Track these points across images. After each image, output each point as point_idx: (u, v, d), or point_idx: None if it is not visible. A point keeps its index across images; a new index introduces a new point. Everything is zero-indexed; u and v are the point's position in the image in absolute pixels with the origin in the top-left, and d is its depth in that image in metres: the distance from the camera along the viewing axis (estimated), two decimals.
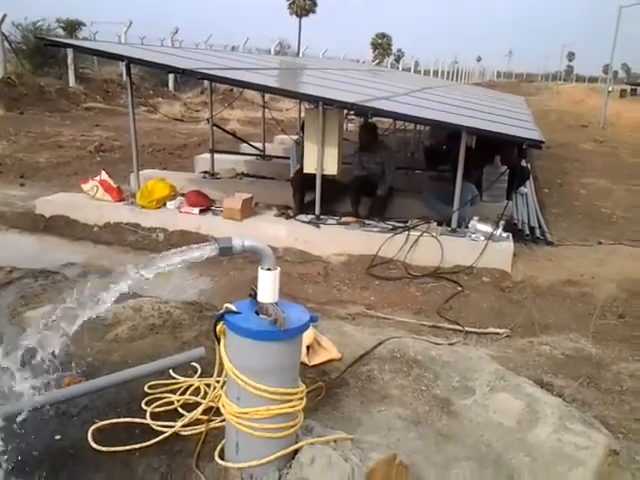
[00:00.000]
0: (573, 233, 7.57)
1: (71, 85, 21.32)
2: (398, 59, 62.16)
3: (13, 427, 2.69)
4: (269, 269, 2.39)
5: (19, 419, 2.71)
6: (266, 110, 11.21)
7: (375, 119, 10.88)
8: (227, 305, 2.45)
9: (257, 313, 2.43)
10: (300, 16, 61.27)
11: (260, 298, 2.41)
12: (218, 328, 2.45)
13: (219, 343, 2.47)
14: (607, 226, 8.20)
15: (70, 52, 20.81)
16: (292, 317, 2.40)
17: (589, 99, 38.40)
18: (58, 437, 2.89)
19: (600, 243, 7.10)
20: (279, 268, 2.43)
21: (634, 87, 50.85)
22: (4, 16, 18.78)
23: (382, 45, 78.65)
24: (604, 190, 10.63)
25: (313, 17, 63.18)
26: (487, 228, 6.14)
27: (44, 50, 20.79)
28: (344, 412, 3.17)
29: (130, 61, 6.82)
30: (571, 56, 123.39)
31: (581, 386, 3.70)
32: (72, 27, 29.56)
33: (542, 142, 5.97)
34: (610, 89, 24.77)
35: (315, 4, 62.38)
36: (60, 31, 26.48)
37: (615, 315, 5.04)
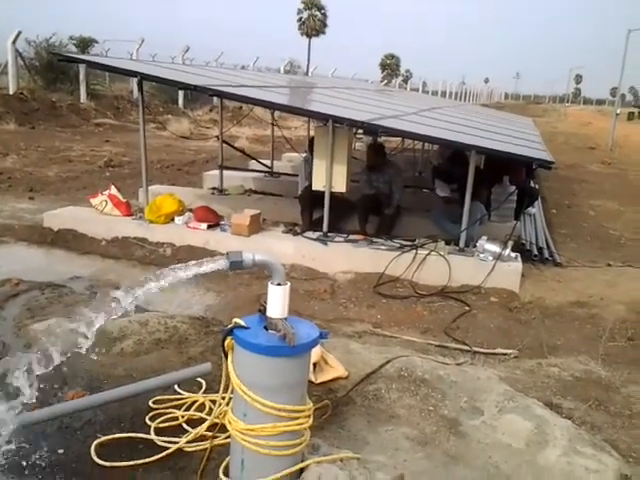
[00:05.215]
0: (581, 254, 7.53)
1: (82, 101, 21.55)
2: (406, 80, 62.69)
3: (15, 440, 2.67)
4: (279, 284, 2.38)
5: (22, 433, 2.69)
6: (275, 128, 11.27)
7: (383, 138, 10.98)
8: (236, 320, 2.43)
9: (266, 328, 2.42)
10: (310, 36, 61.92)
11: (269, 313, 2.40)
12: (226, 343, 2.44)
13: (227, 358, 2.45)
14: (615, 248, 8.14)
15: (82, 68, 21.08)
16: (301, 333, 2.38)
17: (596, 121, 38.45)
18: (61, 451, 2.87)
19: (609, 265, 7.05)
20: (289, 283, 2.42)
21: None
22: (18, 33, 19.06)
23: (390, 66, 79.34)
24: (612, 212, 10.59)
25: (323, 38, 63.91)
26: (495, 248, 6.10)
27: (56, 66, 21.07)
28: (350, 431, 3.13)
29: (143, 77, 6.86)
30: (579, 79, 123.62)
31: (590, 409, 3.64)
32: (85, 44, 29.95)
33: (552, 162, 5.95)
34: (618, 112, 24.79)
35: (325, 25, 63.10)
36: (72, 48, 26.81)
37: (624, 337, 4.97)
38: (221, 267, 2.35)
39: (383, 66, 79.77)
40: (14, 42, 18.94)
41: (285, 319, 2.42)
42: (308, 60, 55.12)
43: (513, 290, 5.91)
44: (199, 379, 3.47)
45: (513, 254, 6.22)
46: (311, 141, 7.53)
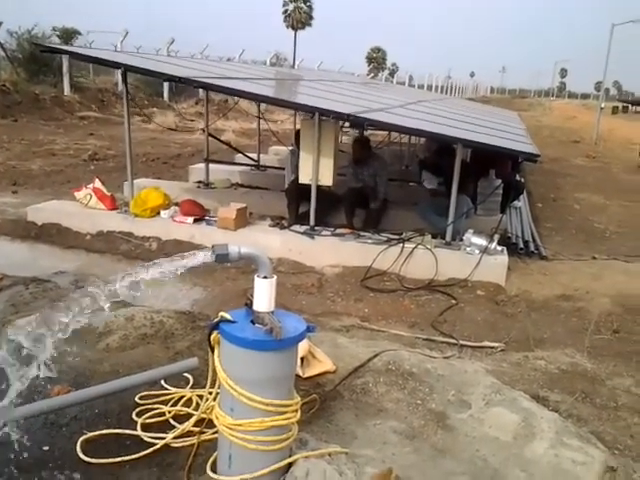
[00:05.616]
0: (567, 248, 7.57)
1: (66, 93, 21.28)
2: (392, 73, 62.62)
3: None
4: (265, 277, 2.36)
5: (5, 429, 2.66)
6: (261, 121, 11.20)
7: (369, 132, 10.95)
8: (222, 314, 2.41)
9: (253, 322, 2.40)
10: (296, 29, 61.70)
11: (256, 307, 2.38)
12: (212, 337, 2.41)
13: (213, 352, 2.43)
14: (601, 241, 8.21)
15: (65, 60, 20.82)
16: (288, 326, 2.36)
17: (581, 115, 38.74)
18: (46, 448, 2.83)
19: (594, 258, 7.10)
20: (275, 276, 2.40)
21: (625, 104, 51.42)
22: None
23: (377, 59, 79.38)
24: (597, 205, 10.66)
25: (309, 30, 63.74)
26: (482, 241, 6.12)
27: (39, 58, 20.78)
28: (338, 425, 3.12)
29: (127, 69, 6.79)
30: (563, 73, 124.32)
31: (577, 401, 3.67)
32: (68, 36, 29.56)
33: (537, 155, 5.97)
34: (602, 106, 24.98)
35: (311, 17, 62.95)
36: (56, 39, 26.47)
37: (610, 330, 5.01)
38: (207, 260, 2.33)
39: (369, 59, 79.78)
40: None
41: (272, 313, 2.40)
42: (294, 53, 54.92)
43: (499, 283, 5.93)
44: (186, 374, 3.44)
45: (499, 247, 6.24)
46: (297, 134, 7.50)
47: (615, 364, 4.30)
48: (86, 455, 2.76)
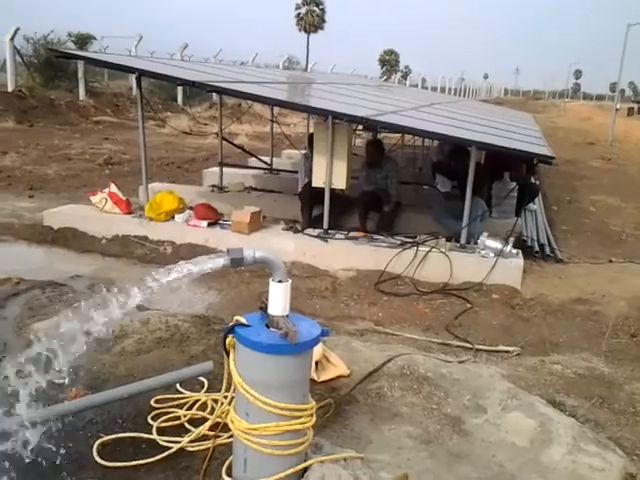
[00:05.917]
0: (583, 251, 7.50)
1: (81, 98, 21.48)
2: (405, 76, 62.56)
3: (16, 440, 2.65)
4: (280, 281, 2.36)
5: (23, 432, 2.67)
6: (274, 124, 11.23)
7: (383, 135, 10.94)
8: (237, 318, 2.41)
9: (267, 326, 2.40)
10: (308, 32, 61.85)
11: (271, 311, 2.38)
12: (227, 341, 2.41)
13: (228, 356, 2.43)
14: (617, 244, 8.12)
15: (81, 65, 21.01)
16: (303, 331, 2.36)
17: (596, 117, 38.39)
18: (62, 451, 2.84)
19: (610, 261, 7.03)
20: (290, 280, 2.40)
21: None
22: (16, 30, 18.99)
23: (390, 62, 79.36)
24: (613, 208, 10.56)
25: (321, 34, 63.85)
26: (497, 244, 6.09)
27: (55, 63, 20.97)
28: (353, 430, 3.11)
29: (141, 73, 6.84)
30: (578, 74, 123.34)
31: (594, 406, 3.63)
32: (83, 41, 29.85)
33: (552, 158, 5.93)
34: (618, 107, 24.74)
35: (323, 20, 63.04)
36: (71, 44, 26.71)
37: (627, 334, 4.96)
38: (222, 264, 2.33)
39: (382, 62, 79.76)
40: (12, 39, 18.87)
41: (286, 317, 2.40)
42: (307, 56, 55.15)
43: (515, 287, 5.89)
44: (201, 378, 3.45)
45: (514, 250, 6.20)
46: (310, 137, 7.51)
47: (633, 368, 4.25)
48: (102, 458, 2.77)
